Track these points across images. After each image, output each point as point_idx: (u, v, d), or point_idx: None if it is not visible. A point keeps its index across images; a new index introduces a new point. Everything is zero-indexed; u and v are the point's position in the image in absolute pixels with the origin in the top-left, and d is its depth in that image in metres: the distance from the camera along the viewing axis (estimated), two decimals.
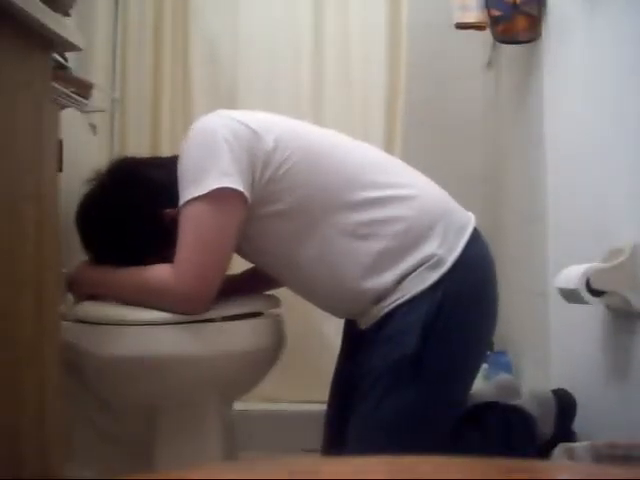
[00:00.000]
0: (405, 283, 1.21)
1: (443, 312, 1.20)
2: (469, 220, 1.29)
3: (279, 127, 1.27)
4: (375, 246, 1.22)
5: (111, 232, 1.30)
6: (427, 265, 1.21)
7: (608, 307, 1.21)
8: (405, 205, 1.24)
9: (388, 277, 1.21)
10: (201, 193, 1.18)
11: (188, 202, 1.19)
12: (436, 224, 1.24)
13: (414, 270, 1.21)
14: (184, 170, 1.22)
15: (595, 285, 1.13)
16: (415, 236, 1.22)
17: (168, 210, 1.26)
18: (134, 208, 1.29)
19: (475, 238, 1.27)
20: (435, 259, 1.21)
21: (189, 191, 1.19)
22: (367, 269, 1.22)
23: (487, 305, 1.29)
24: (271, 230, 1.26)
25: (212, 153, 1.19)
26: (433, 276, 1.20)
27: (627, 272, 1.11)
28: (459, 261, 1.22)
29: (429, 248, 1.22)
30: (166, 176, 1.26)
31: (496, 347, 2.10)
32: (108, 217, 1.30)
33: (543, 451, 1.27)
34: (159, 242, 1.25)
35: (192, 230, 1.20)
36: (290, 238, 1.25)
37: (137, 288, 1.27)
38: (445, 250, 1.22)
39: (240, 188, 1.18)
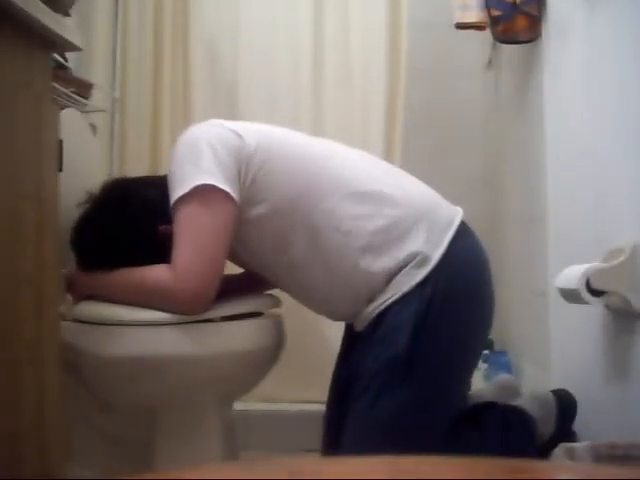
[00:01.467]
0: (394, 282, 1.22)
1: (433, 309, 1.20)
2: (456, 215, 1.29)
3: (263, 133, 1.30)
4: (358, 242, 1.23)
5: (108, 250, 1.31)
6: (414, 263, 1.22)
7: (608, 307, 1.21)
8: (388, 202, 1.26)
9: (377, 270, 1.22)
10: (184, 192, 1.20)
11: (176, 204, 1.21)
12: (420, 221, 1.24)
13: (402, 268, 1.22)
14: (170, 176, 1.25)
15: (595, 285, 1.13)
16: (399, 232, 1.23)
17: (162, 227, 1.27)
18: (131, 225, 1.30)
19: (462, 232, 1.27)
20: (421, 256, 1.22)
21: (175, 193, 1.21)
22: (355, 265, 1.23)
23: (479, 300, 1.29)
24: (261, 232, 1.27)
25: (194, 156, 1.22)
26: (421, 273, 1.21)
27: (627, 272, 1.11)
28: (446, 257, 1.22)
29: (414, 245, 1.22)
30: (159, 193, 1.27)
31: (496, 347, 2.10)
32: (105, 235, 1.31)
33: (543, 451, 1.27)
34: (156, 258, 1.26)
35: (184, 230, 1.22)
36: (281, 238, 1.27)
37: (136, 289, 1.27)
38: (431, 247, 1.23)
39: (224, 187, 1.20)
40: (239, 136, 1.25)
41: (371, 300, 1.24)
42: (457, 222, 1.27)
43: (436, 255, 1.22)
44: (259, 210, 1.26)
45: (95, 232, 1.33)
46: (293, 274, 1.31)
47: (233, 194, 1.21)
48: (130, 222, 1.30)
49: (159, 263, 1.25)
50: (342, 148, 1.38)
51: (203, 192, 1.20)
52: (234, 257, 1.33)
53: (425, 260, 1.22)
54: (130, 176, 1.44)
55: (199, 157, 1.22)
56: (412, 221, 1.24)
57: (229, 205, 1.22)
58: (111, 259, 1.30)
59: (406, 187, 1.31)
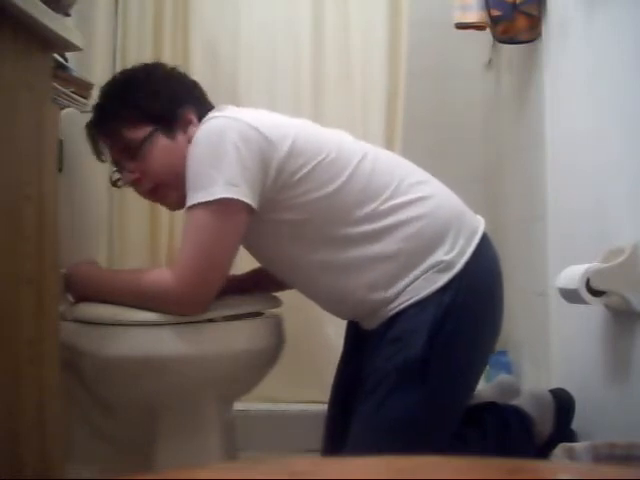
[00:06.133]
0: (413, 285, 1.21)
1: (451, 316, 1.19)
2: (479, 225, 1.29)
3: (293, 132, 1.24)
4: (387, 250, 1.21)
5: (135, 99, 1.32)
6: (436, 269, 1.21)
7: (608, 307, 1.21)
8: (419, 209, 1.24)
9: (398, 286, 1.21)
10: (206, 200, 1.17)
11: (194, 206, 1.18)
12: (449, 228, 1.23)
13: (423, 274, 1.21)
14: (191, 171, 1.21)
15: (595, 285, 1.13)
16: (429, 239, 1.22)
17: (189, 110, 1.33)
18: (170, 91, 1.35)
19: (484, 243, 1.27)
20: (444, 264, 1.21)
21: (195, 196, 1.18)
22: (377, 278, 1.22)
23: (494, 311, 1.29)
24: (282, 234, 1.25)
25: (219, 158, 1.18)
26: (441, 279, 1.20)
27: (627, 272, 1.11)
28: (468, 266, 1.21)
29: (439, 254, 1.21)
30: (197, 99, 1.41)
31: (496, 347, 2.10)
32: (139, 86, 1.34)
33: (543, 451, 1.27)
34: (169, 124, 1.30)
35: (195, 236, 1.20)
36: (302, 243, 1.25)
37: (135, 291, 1.25)
38: (455, 255, 1.22)
39: (246, 200, 1.17)
40: (265, 137, 1.20)
41: (386, 304, 1.22)
42: (481, 232, 1.27)
43: (459, 263, 1.21)
44: (284, 214, 1.23)
45: (129, 83, 1.36)
46: (304, 277, 1.30)
47: (254, 205, 1.19)
48: (164, 90, 1.35)
49: (169, 132, 1.30)
50: (372, 149, 1.33)
51: (225, 204, 1.17)
52: (247, 246, 1.32)
53: (448, 267, 1.21)
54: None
55: (223, 160, 1.17)
56: (442, 226, 1.23)
57: (245, 216, 1.20)
58: (137, 105, 1.32)
59: (435, 192, 1.28)
